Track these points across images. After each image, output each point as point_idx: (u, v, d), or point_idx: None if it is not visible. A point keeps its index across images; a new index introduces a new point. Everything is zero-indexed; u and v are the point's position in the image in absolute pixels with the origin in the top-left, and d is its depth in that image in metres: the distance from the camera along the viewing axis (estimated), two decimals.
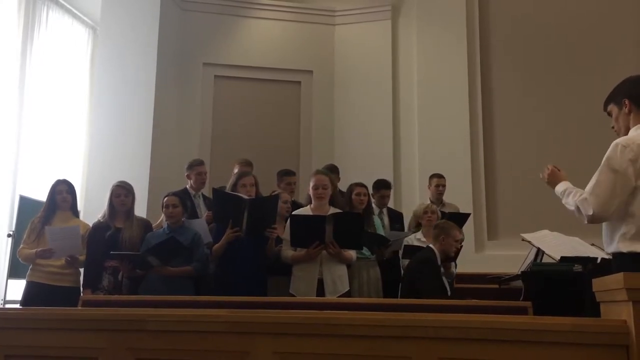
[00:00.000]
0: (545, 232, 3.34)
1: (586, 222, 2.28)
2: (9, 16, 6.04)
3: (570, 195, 2.38)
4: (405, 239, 4.43)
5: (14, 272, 5.24)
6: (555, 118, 6.83)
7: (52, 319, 1.94)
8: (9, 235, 5.43)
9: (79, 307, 2.80)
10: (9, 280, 5.41)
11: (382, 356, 1.72)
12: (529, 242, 3.36)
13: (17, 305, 4.12)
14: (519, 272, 3.43)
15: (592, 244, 3.28)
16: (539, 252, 3.47)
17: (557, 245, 3.13)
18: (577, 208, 2.29)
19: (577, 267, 3.01)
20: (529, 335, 1.66)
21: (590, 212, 2.23)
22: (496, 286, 4.20)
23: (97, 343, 1.86)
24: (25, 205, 5.48)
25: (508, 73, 7.11)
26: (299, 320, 1.78)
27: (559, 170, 2.58)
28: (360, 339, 1.73)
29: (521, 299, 3.08)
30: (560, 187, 2.49)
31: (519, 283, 3.54)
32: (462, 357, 1.71)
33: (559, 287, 2.95)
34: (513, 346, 1.66)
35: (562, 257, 2.97)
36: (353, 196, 4.30)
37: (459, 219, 4.75)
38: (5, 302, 5.37)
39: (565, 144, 6.69)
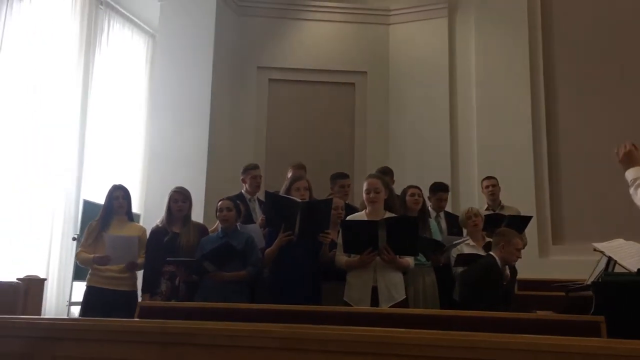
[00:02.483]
0: (620, 241, 3.10)
1: None
2: (73, 25, 6.27)
3: None
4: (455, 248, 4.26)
5: (79, 274, 5.42)
6: (624, 116, 6.43)
7: (101, 330, 1.95)
8: (74, 239, 5.63)
9: (135, 317, 2.82)
10: (74, 283, 5.62)
11: None
12: (601, 252, 3.13)
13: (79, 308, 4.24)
14: (590, 283, 3.21)
15: None
16: (610, 261, 3.24)
17: (632, 255, 2.90)
18: None
19: None
20: None
21: None
22: (562, 294, 3.97)
23: (147, 356, 1.85)
24: (89, 209, 5.67)
25: (573, 71, 6.75)
26: (353, 338, 1.69)
27: (637, 150, 2.33)
28: (419, 359, 1.63)
29: (591, 312, 2.88)
30: (631, 174, 2.26)
31: (587, 292, 3.33)
32: None
33: (635, 299, 2.73)
34: None
35: (639, 270, 2.75)
36: (407, 197, 4.20)
37: (520, 222, 4.56)
38: (70, 304, 5.57)
39: (636, 142, 6.29)
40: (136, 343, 1.90)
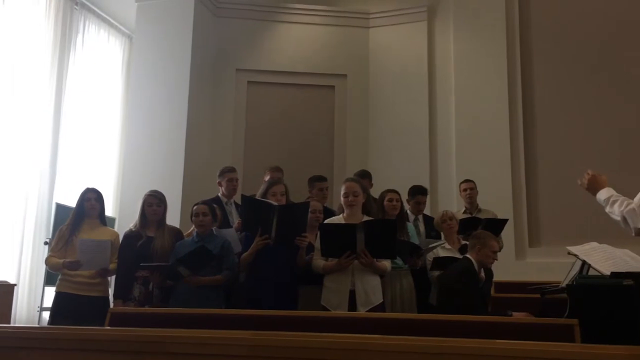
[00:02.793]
0: (594, 244, 3.12)
1: (634, 234, 2.11)
2: (47, 26, 6.15)
3: (616, 204, 2.22)
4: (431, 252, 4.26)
5: (51, 280, 5.30)
6: (601, 120, 6.52)
7: (68, 339, 1.89)
8: (45, 243, 5.51)
9: (106, 324, 2.75)
10: (45, 288, 5.49)
11: None
12: (575, 255, 3.16)
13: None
14: (564, 286, 3.23)
15: None
16: (585, 264, 3.26)
17: (606, 259, 2.92)
18: (624, 219, 2.12)
19: (628, 281, 2.80)
20: None
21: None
22: (538, 296, 3.99)
23: None
24: (62, 212, 5.54)
25: (551, 75, 6.82)
26: (326, 345, 1.66)
27: (600, 176, 2.42)
28: None
29: (566, 315, 2.89)
30: (603, 194, 2.34)
31: (562, 294, 3.35)
32: None
33: (608, 302, 2.75)
34: None
35: (612, 273, 2.77)
36: (385, 202, 4.18)
37: (496, 225, 4.58)
38: (42, 309, 5.44)
39: (612, 147, 6.39)
40: (104, 352, 1.84)
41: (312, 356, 1.66)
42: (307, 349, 1.67)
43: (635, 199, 2.15)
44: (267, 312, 2.81)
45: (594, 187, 2.43)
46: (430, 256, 4.17)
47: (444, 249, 4.23)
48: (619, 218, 2.18)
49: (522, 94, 6.84)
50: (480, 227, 4.30)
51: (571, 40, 6.78)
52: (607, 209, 2.29)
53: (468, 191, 5.26)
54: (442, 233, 4.58)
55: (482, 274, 3.84)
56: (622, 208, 2.18)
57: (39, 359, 1.89)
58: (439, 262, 4.07)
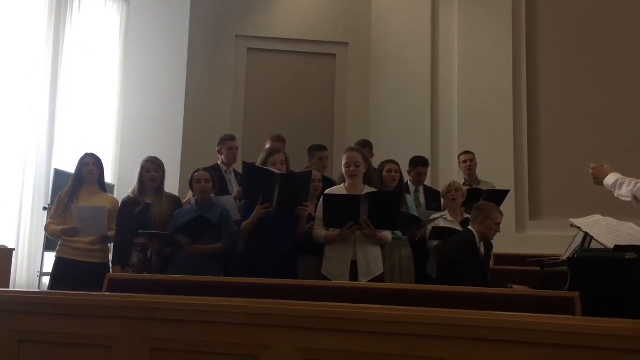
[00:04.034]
0: (597, 217, 3.09)
1: None
2: None
3: (624, 185, 2.23)
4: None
5: (50, 245, 5.29)
6: (604, 93, 6.43)
7: (66, 304, 1.87)
8: (44, 209, 5.48)
9: (103, 290, 2.74)
10: (45, 253, 5.49)
11: (414, 356, 1.57)
12: (578, 227, 3.13)
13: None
14: (565, 259, 3.22)
15: None
16: (587, 237, 3.24)
17: (609, 232, 2.89)
18: (635, 198, 2.11)
19: (631, 255, 2.78)
20: (579, 340, 1.47)
21: None
22: (537, 269, 3.99)
23: (111, 331, 1.78)
24: (60, 178, 5.50)
25: (556, 46, 6.70)
26: (324, 314, 1.63)
27: (602, 166, 2.45)
28: (390, 336, 1.58)
29: (566, 287, 2.88)
30: (610, 179, 2.36)
31: (563, 267, 3.33)
32: None
33: (610, 275, 2.74)
34: (560, 350, 1.48)
35: (616, 246, 2.75)
36: (384, 173, 4.15)
37: (497, 196, 4.55)
38: (42, 274, 5.46)
39: (615, 120, 6.32)
40: (101, 318, 1.82)
41: (309, 325, 1.64)
42: (305, 318, 1.65)
43: None
44: (267, 281, 2.79)
45: (600, 176, 2.46)
46: (430, 226, 4.15)
47: (445, 221, 4.20)
48: (629, 198, 2.20)
49: (526, 65, 6.74)
50: (482, 199, 4.27)
51: (578, 12, 6.63)
52: (616, 193, 2.32)
53: (468, 162, 5.20)
54: (443, 204, 4.55)
55: (482, 249, 3.83)
56: (630, 187, 2.19)
57: (37, 324, 1.87)
58: (437, 231, 4.06)
